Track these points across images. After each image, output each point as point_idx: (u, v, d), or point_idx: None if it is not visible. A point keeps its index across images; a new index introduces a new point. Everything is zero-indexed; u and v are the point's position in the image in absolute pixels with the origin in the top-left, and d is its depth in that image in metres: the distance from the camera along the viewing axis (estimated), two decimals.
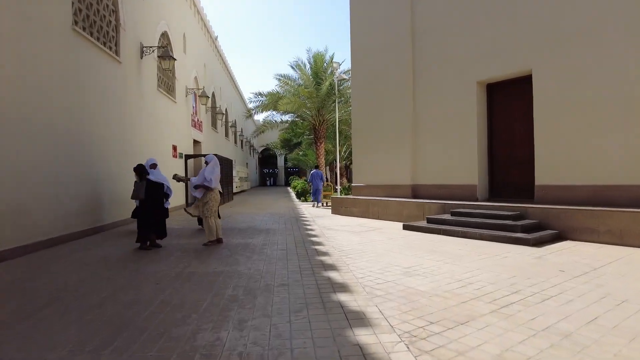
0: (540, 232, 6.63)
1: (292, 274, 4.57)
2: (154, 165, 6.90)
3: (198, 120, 18.55)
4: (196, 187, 6.68)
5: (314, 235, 7.60)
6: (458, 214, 7.99)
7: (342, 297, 3.69)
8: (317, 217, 11.31)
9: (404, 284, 4.13)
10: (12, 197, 5.79)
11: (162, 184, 6.78)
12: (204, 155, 7.60)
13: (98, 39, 8.59)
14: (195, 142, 18.30)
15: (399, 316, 3.18)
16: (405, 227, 8.25)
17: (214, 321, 3.10)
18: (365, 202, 10.81)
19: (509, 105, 8.82)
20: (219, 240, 6.84)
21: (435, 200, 9.24)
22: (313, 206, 15.87)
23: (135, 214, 7.40)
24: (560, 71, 7.45)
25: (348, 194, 18.82)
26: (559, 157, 7.48)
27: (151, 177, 6.57)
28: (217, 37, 23.74)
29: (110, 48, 9.16)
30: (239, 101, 34.91)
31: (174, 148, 14.68)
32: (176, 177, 7.50)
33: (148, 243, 6.51)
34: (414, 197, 10.22)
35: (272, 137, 40.28)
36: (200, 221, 8.61)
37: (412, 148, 10.32)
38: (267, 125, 27.44)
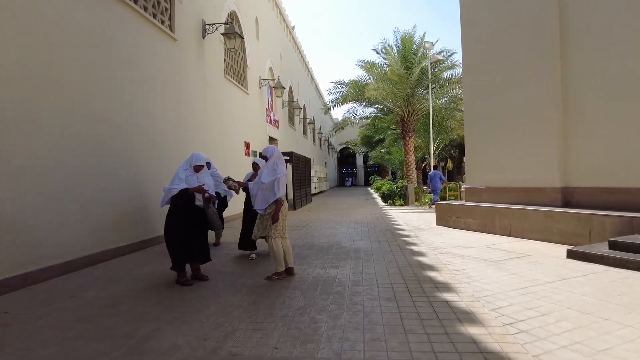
0: None
1: None
2: (198, 168, 4.57)
3: (274, 114, 16.89)
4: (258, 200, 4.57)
5: (429, 267, 5.00)
6: None
7: None
8: (418, 229, 8.62)
9: None
10: (9, 208, 4.18)
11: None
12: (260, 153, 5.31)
13: (146, 9, 6.97)
14: (271, 139, 16.63)
15: None
16: (572, 255, 5.24)
17: None
18: (487, 210, 7.85)
19: None
20: (288, 271, 4.64)
21: (607, 211, 6.01)
22: (429, 207, 14.42)
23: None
24: None
25: (446, 198, 15.72)
26: None
27: (179, 185, 4.43)
28: (293, 27, 22.08)
29: (162, 22, 7.51)
30: (317, 97, 33.20)
31: (247, 145, 13.03)
32: (228, 183, 5.46)
33: (188, 275, 4.53)
34: (566, 204, 7.03)
35: (352, 135, 38.12)
36: (243, 245, 5.95)
37: (559, 134, 7.11)
38: (347, 121, 25.14)
